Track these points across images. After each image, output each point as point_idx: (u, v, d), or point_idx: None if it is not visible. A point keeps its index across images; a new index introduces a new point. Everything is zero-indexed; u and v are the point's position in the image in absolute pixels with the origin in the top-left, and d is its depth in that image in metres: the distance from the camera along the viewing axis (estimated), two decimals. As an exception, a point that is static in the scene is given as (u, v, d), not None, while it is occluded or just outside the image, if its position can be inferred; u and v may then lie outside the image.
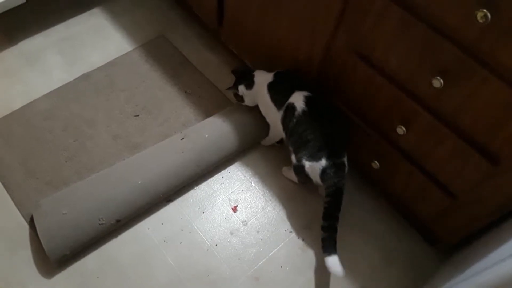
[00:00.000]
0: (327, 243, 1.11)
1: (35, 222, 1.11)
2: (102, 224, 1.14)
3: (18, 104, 1.40)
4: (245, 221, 1.27)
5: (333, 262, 1.08)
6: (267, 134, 1.37)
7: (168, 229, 1.23)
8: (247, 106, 1.37)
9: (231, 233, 1.24)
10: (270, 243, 1.24)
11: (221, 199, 1.30)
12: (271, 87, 1.23)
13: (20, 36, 1.56)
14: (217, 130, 1.32)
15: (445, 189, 1.01)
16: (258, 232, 1.25)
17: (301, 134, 1.15)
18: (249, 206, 1.30)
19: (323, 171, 1.11)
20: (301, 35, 1.12)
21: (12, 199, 1.22)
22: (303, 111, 1.14)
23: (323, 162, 1.11)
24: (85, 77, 1.49)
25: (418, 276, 1.22)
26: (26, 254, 1.15)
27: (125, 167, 1.24)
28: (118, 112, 1.40)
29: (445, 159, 0.95)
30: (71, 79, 1.48)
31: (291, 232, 1.26)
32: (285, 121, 1.19)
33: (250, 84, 1.28)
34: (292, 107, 1.16)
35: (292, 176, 1.28)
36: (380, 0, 0.86)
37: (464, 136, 0.89)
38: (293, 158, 1.20)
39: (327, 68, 1.12)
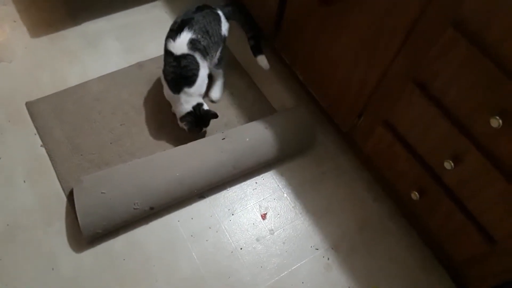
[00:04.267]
0: (255, 48, 1.44)
1: (75, 197, 1.15)
2: (136, 209, 1.17)
3: (73, 82, 1.46)
4: (273, 230, 1.27)
5: (261, 59, 1.43)
6: (310, 145, 1.38)
7: (197, 224, 1.25)
8: (290, 116, 1.38)
9: (257, 240, 1.25)
10: (294, 256, 1.23)
11: (251, 204, 1.31)
12: None
13: (84, 18, 1.63)
14: (258, 135, 1.33)
15: (485, 233, 0.98)
16: (284, 243, 1.25)
17: None
18: (278, 215, 1.30)
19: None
20: (358, 56, 1.12)
21: (55, 171, 1.28)
22: None
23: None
24: (139, 66, 1.54)
25: (441, 316, 1.18)
26: (60, 225, 1.19)
27: (166, 157, 1.27)
28: (165, 105, 1.44)
29: (492, 202, 0.92)
30: (126, 66, 1.53)
31: (317, 249, 1.25)
32: None
33: None
34: None
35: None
36: (450, 32, 0.85)
37: (516, 182, 0.86)
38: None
39: (380, 94, 1.11)
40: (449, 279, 1.24)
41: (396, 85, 1.05)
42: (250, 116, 1.47)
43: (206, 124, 1.34)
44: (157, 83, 1.49)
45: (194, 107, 1.29)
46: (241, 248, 1.23)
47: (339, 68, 1.21)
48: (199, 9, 1.31)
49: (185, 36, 1.26)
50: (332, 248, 1.26)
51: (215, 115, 1.32)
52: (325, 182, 1.37)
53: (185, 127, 1.32)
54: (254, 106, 1.51)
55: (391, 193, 1.35)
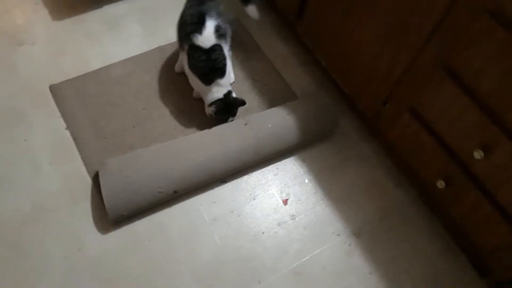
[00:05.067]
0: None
1: (100, 180, 1.17)
2: (160, 192, 1.19)
3: (95, 65, 1.47)
4: (294, 215, 1.28)
5: (251, 9, 1.42)
6: (331, 132, 1.38)
7: (219, 208, 1.26)
8: (312, 102, 1.38)
9: (279, 225, 1.26)
10: (315, 242, 1.24)
11: (273, 189, 1.32)
12: None
13: (105, 0, 1.63)
14: (280, 122, 1.33)
15: (513, 224, 0.97)
16: (305, 228, 1.26)
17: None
18: (299, 201, 1.30)
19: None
20: (386, 41, 1.10)
21: (80, 154, 1.29)
22: None
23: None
24: (160, 50, 1.54)
25: (462, 304, 1.19)
26: (85, 207, 1.21)
27: (189, 142, 1.28)
28: (187, 89, 1.44)
29: (522, 193, 0.91)
30: (147, 49, 1.53)
31: (338, 235, 1.26)
32: None
33: None
34: None
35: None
36: (485, 19, 0.83)
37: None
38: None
39: (408, 81, 1.09)
40: (471, 267, 1.24)
41: (425, 72, 1.03)
42: (272, 102, 1.46)
43: (234, 112, 1.34)
44: (179, 67, 1.49)
45: (225, 95, 1.29)
46: (262, 233, 1.24)
47: (365, 53, 1.19)
48: None
49: (210, 25, 1.25)
50: (354, 234, 1.26)
51: (243, 102, 1.32)
52: (347, 169, 1.37)
53: (213, 113, 1.31)
54: (275, 91, 1.50)
55: (414, 181, 1.34)
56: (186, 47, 1.29)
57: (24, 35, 1.50)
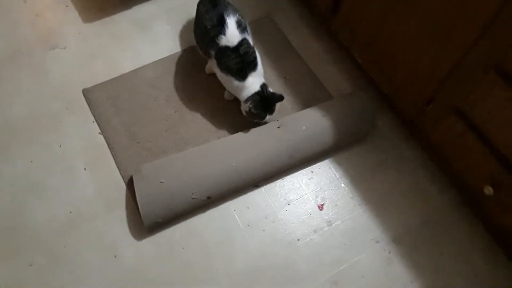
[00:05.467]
0: None
1: (135, 186, 1.16)
2: (194, 198, 1.17)
3: (126, 68, 1.46)
4: (330, 221, 1.24)
5: None
6: (368, 133, 1.33)
7: (253, 214, 1.24)
8: (348, 102, 1.32)
9: (315, 231, 1.22)
10: (353, 249, 1.20)
11: (308, 194, 1.28)
12: None
13: (134, 1, 1.61)
14: (315, 124, 1.28)
15: None
16: (342, 235, 1.22)
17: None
18: (336, 206, 1.26)
19: None
20: (431, 39, 1.03)
21: (114, 159, 1.29)
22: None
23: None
24: (190, 50, 1.51)
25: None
26: (120, 214, 1.21)
27: (221, 147, 1.25)
28: (218, 90, 1.41)
29: None
30: (178, 51, 1.51)
31: (377, 242, 1.21)
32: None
33: None
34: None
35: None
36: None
37: None
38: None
39: (454, 81, 1.02)
40: (520, 277, 1.17)
41: (474, 72, 0.96)
42: (305, 102, 1.42)
43: (271, 109, 1.27)
44: (209, 68, 1.46)
45: (261, 86, 1.25)
46: (298, 239, 1.21)
47: (407, 51, 1.12)
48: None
49: (231, 22, 1.23)
50: (394, 241, 1.21)
51: (281, 97, 1.26)
52: (386, 172, 1.32)
53: (250, 109, 1.24)
54: (309, 91, 1.45)
55: (459, 185, 1.27)
56: (213, 52, 1.26)
57: (56, 39, 1.51)
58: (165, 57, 1.49)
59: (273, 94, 1.26)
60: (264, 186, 1.28)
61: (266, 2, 1.64)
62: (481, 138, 1.03)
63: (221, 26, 1.22)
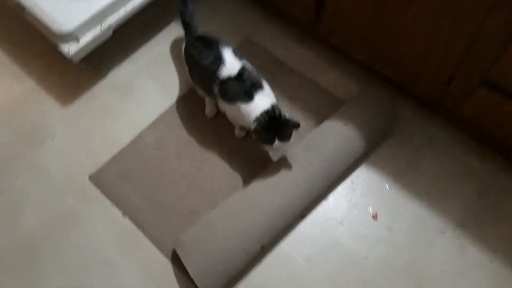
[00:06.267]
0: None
1: (183, 260, 1.08)
2: (248, 253, 1.10)
3: (124, 140, 1.36)
4: (390, 227, 1.18)
5: None
6: (393, 127, 1.27)
7: (309, 246, 1.17)
8: (363, 103, 1.27)
9: (378, 242, 1.16)
10: (422, 247, 1.15)
11: (357, 207, 1.22)
12: None
13: (108, 68, 1.52)
14: (341, 136, 1.22)
15: None
16: (406, 237, 1.16)
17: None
18: (389, 210, 1.21)
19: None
20: (438, 23, 0.98)
21: (148, 238, 1.20)
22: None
23: None
24: (183, 99, 1.43)
25: None
26: (175, 292, 1.13)
27: (256, 190, 1.18)
28: (228, 131, 1.34)
29: None
30: (171, 103, 1.42)
31: (443, 233, 1.16)
32: None
33: None
34: None
35: None
36: None
37: None
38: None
39: (473, 55, 0.98)
40: None
41: (495, 42, 0.92)
42: (318, 115, 1.36)
43: (283, 134, 1.13)
44: (210, 111, 1.39)
45: (272, 105, 1.13)
46: (366, 258, 1.14)
47: (413, 39, 1.08)
48: (199, 38, 1.27)
49: (228, 53, 1.20)
50: (458, 226, 1.16)
51: (296, 124, 1.11)
52: (423, 158, 1.27)
53: (256, 128, 1.11)
54: (317, 103, 1.39)
55: (502, 148, 1.23)
56: (216, 88, 1.20)
57: (40, 133, 1.40)
58: (160, 115, 1.40)
59: (287, 119, 1.13)
60: (310, 214, 1.22)
61: (243, 26, 1.57)
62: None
63: (219, 59, 1.18)
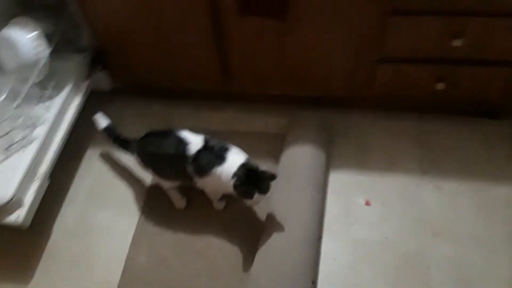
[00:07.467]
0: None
1: None
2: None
3: (114, 275, 1.26)
4: (383, 203, 1.34)
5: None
6: (332, 136, 1.47)
7: (343, 256, 1.25)
8: (302, 124, 1.45)
9: (383, 220, 1.30)
10: (415, 202, 1.32)
11: (351, 204, 1.35)
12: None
13: (50, 223, 1.38)
14: (302, 154, 1.36)
15: None
16: (398, 203, 1.33)
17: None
18: (374, 191, 1.37)
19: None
20: (331, 38, 1.24)
21: None
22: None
23: None
24: (148, 205, 1.39)
25: None
26: None
27: (274, 245, 1.20)
28: (209, 209, 1.34)
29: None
30: (137, 217, 1.36)
31: (418, 185, 1.36)
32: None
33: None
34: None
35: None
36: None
37: None
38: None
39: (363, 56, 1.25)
40: None
41: (375, 27, 1.20)
42: (270, 153, 1.44)
43: (261, 186, 1.17)
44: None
45: (247, 159, 1.19)
46: (386, 238, 1.27)
47: (324, 57, 1.32)
48: (148, 135, 1.29)
49: (185, 133, 1.24)
50: (423, 175, 1.38)
51: (272, 176, 1.16)
52: (368, 143, 1.48)
53: (236, 184, 1.15)
54: (263, 145, 1.48)
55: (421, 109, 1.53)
56: (191, 167, 1.20)
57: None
58: (134, 234, 1.34)
59: (263, 171, 1.19)
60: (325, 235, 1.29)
61: (159, 117, 1.60)
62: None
63: (182, 141, 1.21)
